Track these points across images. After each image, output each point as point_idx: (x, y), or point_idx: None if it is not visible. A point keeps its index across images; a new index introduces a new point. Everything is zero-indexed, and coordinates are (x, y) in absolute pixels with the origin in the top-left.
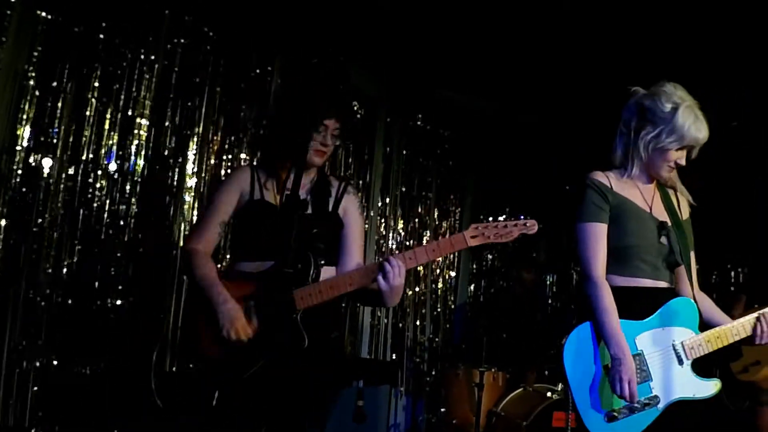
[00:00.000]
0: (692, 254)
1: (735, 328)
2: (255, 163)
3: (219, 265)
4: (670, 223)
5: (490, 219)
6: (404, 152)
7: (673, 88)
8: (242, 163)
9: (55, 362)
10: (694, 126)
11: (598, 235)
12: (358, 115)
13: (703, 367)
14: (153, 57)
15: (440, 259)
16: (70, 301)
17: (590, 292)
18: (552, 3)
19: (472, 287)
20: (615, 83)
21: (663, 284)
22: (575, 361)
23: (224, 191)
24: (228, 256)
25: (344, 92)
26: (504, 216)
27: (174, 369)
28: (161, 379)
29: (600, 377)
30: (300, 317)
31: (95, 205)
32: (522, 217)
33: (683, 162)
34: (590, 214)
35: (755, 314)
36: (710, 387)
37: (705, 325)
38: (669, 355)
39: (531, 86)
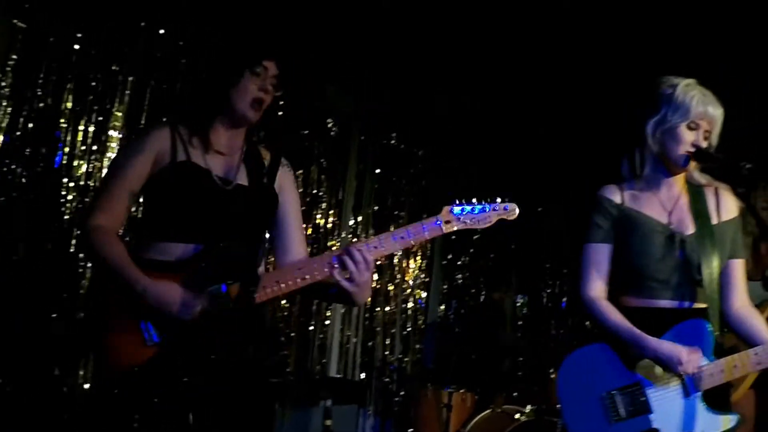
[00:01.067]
0: (735, 261)
1: (759, 356)
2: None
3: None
4: (690, 232)
5: (463, 201)
6: (377, 171)
7: (673, 77)
8: None
9: None
10: (697, 98)
11: (594, 256)
12: (332, 133)
13: (719, 398)
14: (127, 69)
15: (411, 279)
16: None
17: (588, 312)
18: (523, 25)
19: (442, 307)
20: (595, 106)
21: (680, 304)
22: (570, 388)
23: (135, 152)
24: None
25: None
26: (480, 200)
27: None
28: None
29: (592, 406)
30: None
31: (65, 218)
32: (499, 200)
33: (702, 143)
34: (589, 234)
35: None
36: (728, 421)
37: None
38: (674, 385)
39: (509, 107)
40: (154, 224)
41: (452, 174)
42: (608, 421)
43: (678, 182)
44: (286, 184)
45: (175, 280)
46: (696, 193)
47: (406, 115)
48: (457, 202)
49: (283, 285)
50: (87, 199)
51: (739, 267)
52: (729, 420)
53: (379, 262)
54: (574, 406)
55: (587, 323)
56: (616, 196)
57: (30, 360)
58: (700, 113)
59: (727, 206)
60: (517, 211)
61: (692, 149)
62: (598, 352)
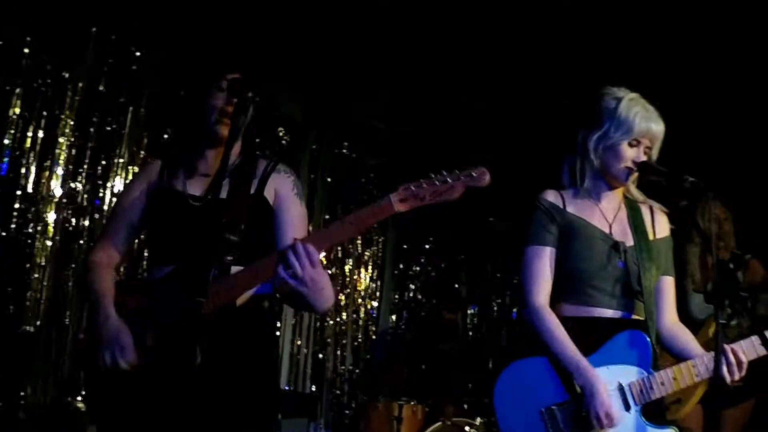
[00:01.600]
0: (667, 278)
1: (697, 368)
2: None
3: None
4: (630, 244)
5: (423, 180)
6: (329, 179)
7: (617, 88)
8: None
9: None
10: (641, 115)
11: (539, 259)
12: (284, 141)
13: (656, 413)
14: (77, 74)
15: (362, 288)
16: None
17: (531, 322)
18: (463, 40)
19: (393, 318)
20: (537, 120)
21: (619, 314)
22: (507, 404)
23: (130, 188)
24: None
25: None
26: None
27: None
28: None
29: (533, 421)
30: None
31: (12, 226)
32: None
33: (642, 158)
34: (533, 237)
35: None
36: None
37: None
38: (614, 399)
39: (451, 116)
40: (150, 253)
41: (402, 183)
42: None
43: (618, 195)
44: (282, 189)
45: (136, 301)
46: (634, 209)
47: (357, 126)
48: (415, 181)
49: (238, 288)
50: (33, 208)
51: (670, 284)
52: None
53: (329, 272)
54: (513, 420)
55: None
56: (558, 201)
57: None
58: (643, 131)
59: (661, 225)
60: (488, 176)
61: (632, 166)
62: (538, 365)
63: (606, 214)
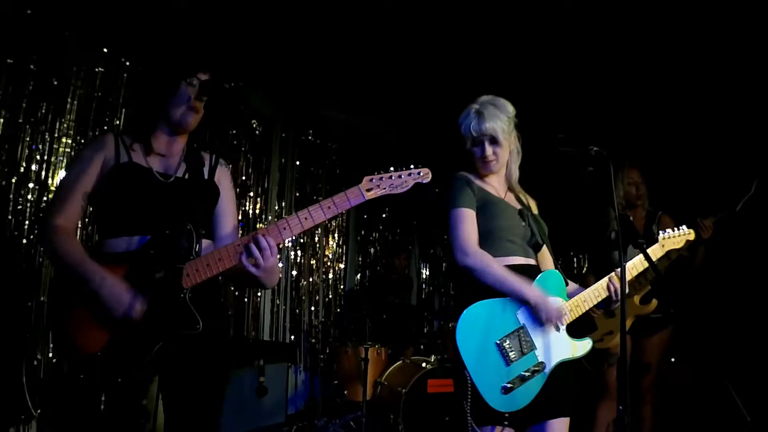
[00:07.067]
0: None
1: (590, 294)
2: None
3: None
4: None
5: (381, 171)
6: (297, 163)
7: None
8: None
9: None
10: (468, 123)
11: (468, 218)
12: (257, 132)
13: (579, 329)
14: (77, 83)
15: (330, 253)
16: None
17: (472, 266)
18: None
19: (358, 276)
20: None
21: (532, 261)
22: (468, 342)
23: (85, 158)
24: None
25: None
26: (396, 169)
27: (50, 371)
28: (36, 383)
29: (491, 354)
30: (188, 297)
31: (27, 212)
32: (413, 166)
33: (488, 154)
34: (457, 200)
35: (605, 279)
36: (586, 345)
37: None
38: (548, 323)
39: (398, 105)
40: (104, 223)
41: (362, 163)
42: (506, 364)
43: (502, 184)
44: (224, 180)
45: (123, 270)
46: (517, 192)
47: (320, 114)
48: (376, 172)
49: (212, 267)
50: (46, 191)
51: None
52: (589, 342)
53: (302, 241)
54: (475, 356)
55: None
56: (472, 177)
57: None
58: (472, 133)
59: (533, 206)
60: (430, 174)
61: (481, 156)
62: (485, 307)
63: (499, 192)
